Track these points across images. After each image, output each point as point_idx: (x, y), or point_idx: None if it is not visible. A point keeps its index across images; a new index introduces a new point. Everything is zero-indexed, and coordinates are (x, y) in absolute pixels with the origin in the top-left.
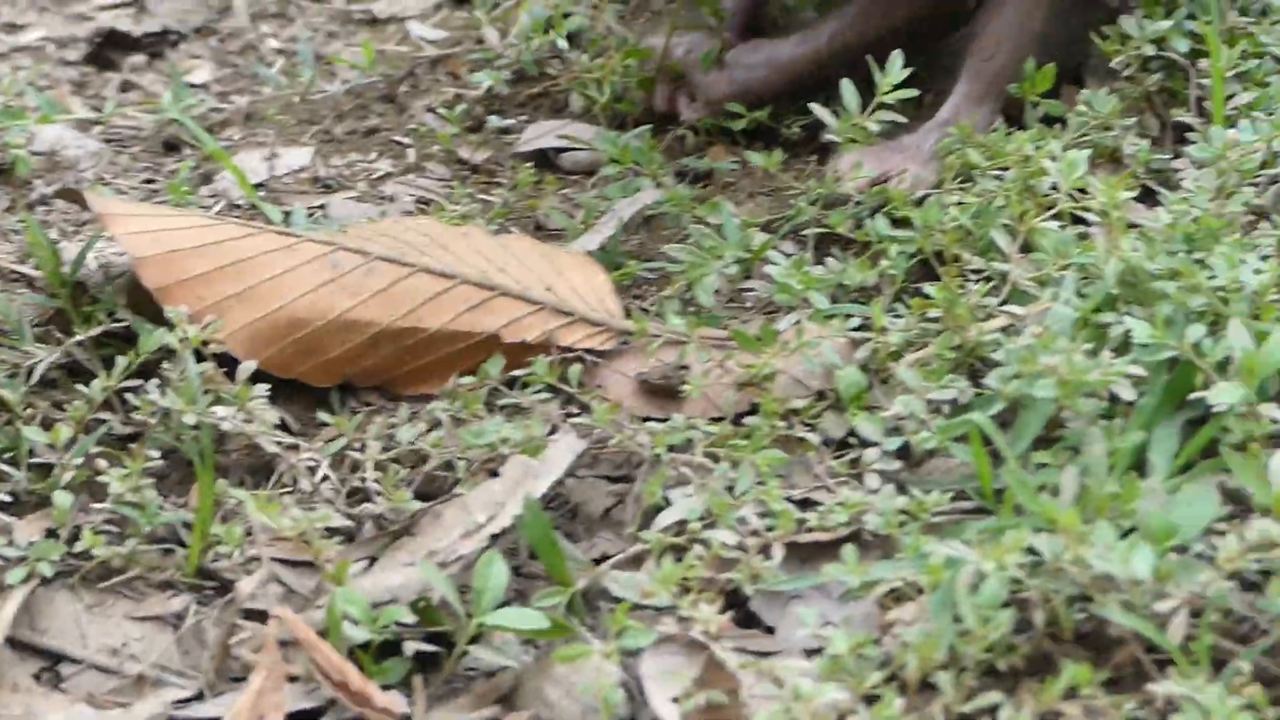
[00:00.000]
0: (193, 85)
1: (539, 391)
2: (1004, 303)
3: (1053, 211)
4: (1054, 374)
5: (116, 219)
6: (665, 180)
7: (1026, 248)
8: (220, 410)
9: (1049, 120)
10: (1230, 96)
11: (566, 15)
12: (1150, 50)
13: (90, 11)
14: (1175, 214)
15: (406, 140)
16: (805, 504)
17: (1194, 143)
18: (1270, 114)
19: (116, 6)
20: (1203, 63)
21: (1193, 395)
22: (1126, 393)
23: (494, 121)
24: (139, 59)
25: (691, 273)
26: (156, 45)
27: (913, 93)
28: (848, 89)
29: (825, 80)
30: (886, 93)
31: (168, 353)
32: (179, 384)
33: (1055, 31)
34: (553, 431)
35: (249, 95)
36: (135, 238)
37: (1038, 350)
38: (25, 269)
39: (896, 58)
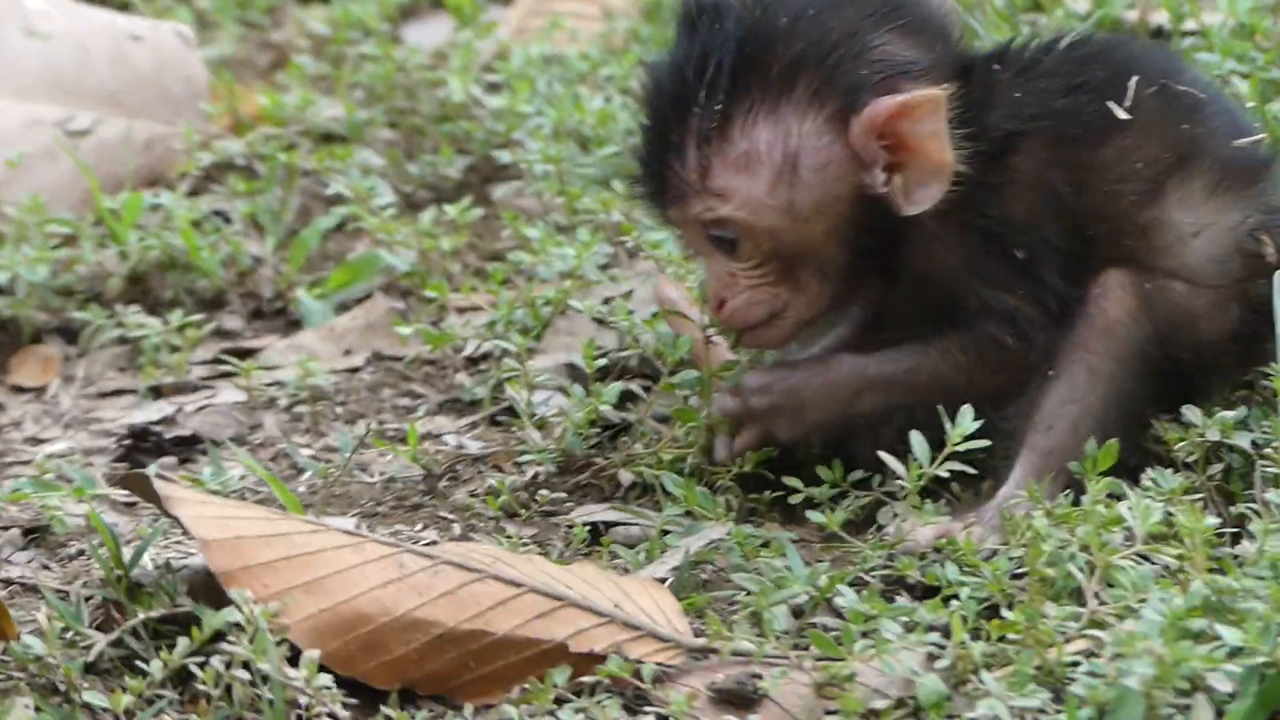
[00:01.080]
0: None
1: (607, 699)
2: (1084, 628)
3: (1131, 551)
4: (1151, 655)
5: (183, 503)
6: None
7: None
8: (291, 671)
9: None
10: None
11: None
12: (1214, 436)
13: (115, 429)
14: (1261, 542)
15: (451, 516)
16: None
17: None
18: None
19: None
20: (1270, 448)
21: None
22: (1223, 684)
23: (544, 494)
24: (169, 460)
25: (760, 600)
26: (187, 451)
27: (984, 443)
28: (917, 440)
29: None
30: (957, 444)
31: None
32: (250, 646)
33: (1114, 416)
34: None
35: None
36: (202, 522)
37: (1132, 640)
38: None
39: (967, 410)
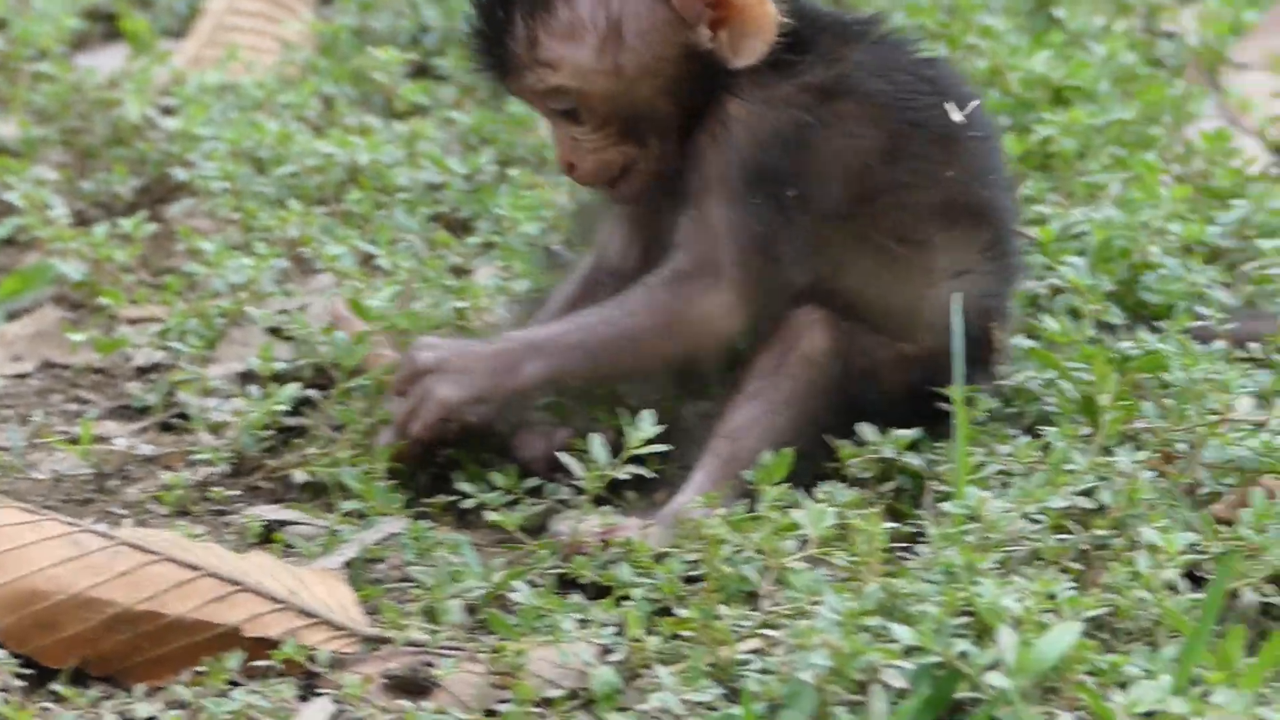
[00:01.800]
0: None
1: (280, 684)
2: (758, 628)
3: (804, 554)
4: (828, 647)
5: None
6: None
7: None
8: None
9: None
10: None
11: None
12: (889, 453)
13: None
14: (935, 549)
15: (123, 512)
16: None
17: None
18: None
19: None
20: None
21: (959, 695)
22: (896, 680)
23: (217, 491)
24: None
25: (435, 593)
26: None
27: (664, 448)
28: (596, 443)
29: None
30: (637, 447)
31: None
32: None
33: (801, 439)
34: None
35: None
36: None
37: (809, 633)
38: None
39: (647, 414)
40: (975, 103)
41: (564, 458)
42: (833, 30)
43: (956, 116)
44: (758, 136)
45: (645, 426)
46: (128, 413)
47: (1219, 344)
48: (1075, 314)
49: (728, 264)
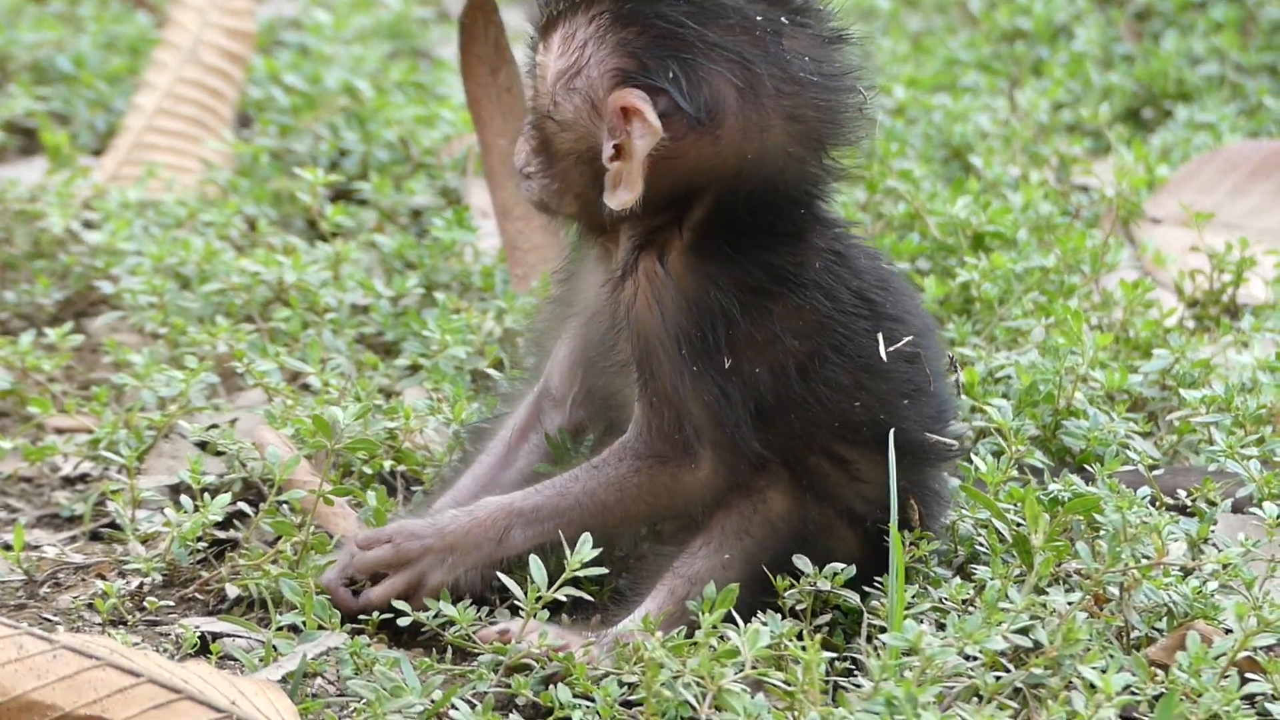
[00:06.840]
0: None
1: None
2: None
3: (741, 675)
4: None
5: None
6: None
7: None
8: None
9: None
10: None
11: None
12: (824, 586)
13: None
14: (875, 680)
15: (56, 619)
16: None
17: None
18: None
19: None
20: (875, 602)
21: None
22: None
23: (151, 601)
24: None
25: (375, 708)
26: None
27: (601, 570)
28: (535, 564)
29: None
30: (576, 569)
31: None
32: None
33: (752, 588)
34: None
35: None
36: None
37: None
38: None
39: (587, 538)
40: (909, 337)
41: (503, 578)
42: (803, 221)
43: (883, 353)
44: (688, 309)
45: (585, 549)
46: (56, 522)
47: (1145, 490)
48: (1000, 455)
49: (696, 442)
